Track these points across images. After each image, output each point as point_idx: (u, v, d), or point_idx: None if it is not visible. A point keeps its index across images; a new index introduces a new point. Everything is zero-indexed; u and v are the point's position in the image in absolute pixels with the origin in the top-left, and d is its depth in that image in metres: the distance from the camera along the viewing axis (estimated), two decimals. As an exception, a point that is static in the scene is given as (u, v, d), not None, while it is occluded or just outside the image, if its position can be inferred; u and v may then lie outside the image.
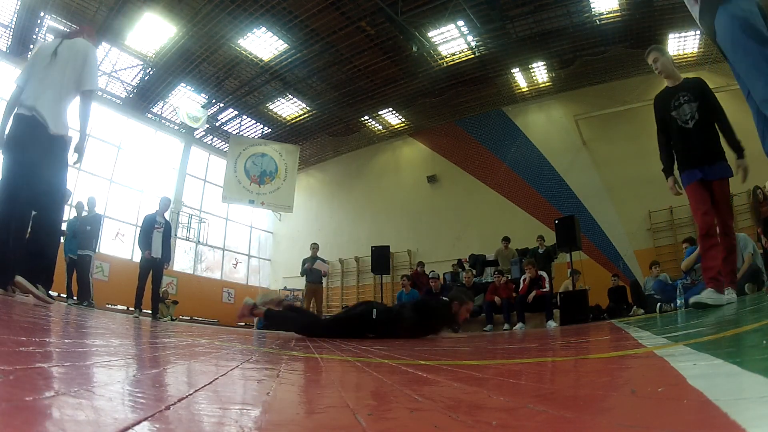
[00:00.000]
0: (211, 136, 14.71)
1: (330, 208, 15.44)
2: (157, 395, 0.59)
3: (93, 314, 3.92)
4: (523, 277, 7.07)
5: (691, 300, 2.99)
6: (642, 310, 6.74)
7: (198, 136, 14.47)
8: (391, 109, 13.01)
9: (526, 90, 11.99)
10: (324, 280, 8.96)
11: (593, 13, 9.05)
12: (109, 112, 12.04)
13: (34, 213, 3.00)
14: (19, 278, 2.74)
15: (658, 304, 5.94)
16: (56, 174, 3.00)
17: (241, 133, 13.99)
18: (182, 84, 11.65)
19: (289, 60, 10.56)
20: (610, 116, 10.71)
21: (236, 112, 13.26)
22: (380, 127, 14.07)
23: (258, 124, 13.74)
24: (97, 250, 7.66)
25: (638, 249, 10.14)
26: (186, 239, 13.77)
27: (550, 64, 10.92)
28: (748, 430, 0.36)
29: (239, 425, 0.46)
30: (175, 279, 12.35)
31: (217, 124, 13.90)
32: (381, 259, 10.30)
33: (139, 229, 7.06)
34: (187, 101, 12.13)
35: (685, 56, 10.04)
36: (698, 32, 8.99)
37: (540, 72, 11.28)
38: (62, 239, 6.11)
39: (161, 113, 13.22)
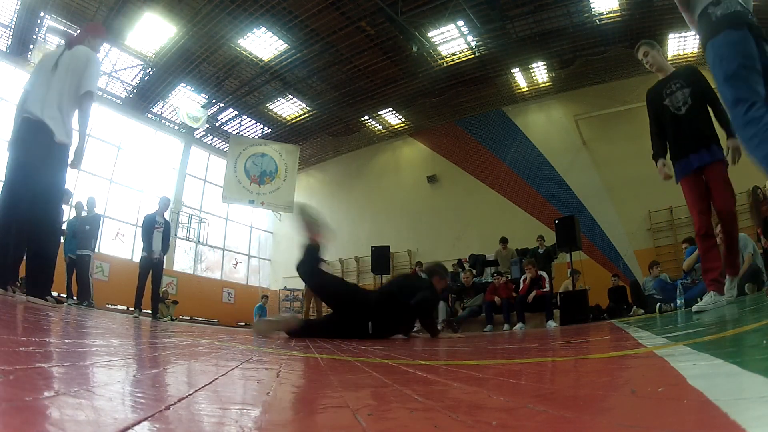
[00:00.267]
0: (211, 136, 14.71)
1: (330, 208, 15.40)
2: (157, 395, 0.59)
3: (93, 314, 3.92)
4: (523, 277, 7.06)
5: (693, 308, 3.01)
6: (642, 310, 6.73)
7: (198, 136, 14.47)
8: (391, 109, 13.01)
9: (526, 90, 11.99)
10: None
11: (593, 13, 9.05)
12: (109, 112, 12.04)
13: (34, 213, 3.01)
14: (30, 298, 2.84)
15: (658, 304, 5.95)
16: (56, 174, 3.03)
17: (241, 133, 13.98)
18: (182, 84, 11.66)
19: (289, 60, 10.56)
20: (610, 116, 10.71)
21: (236, 112, 13.26)
22: (380, 127, 14.07)
23: (258, 124, 13.74)
24: (96, 250, 7.68)
25: (638, 249, 10.14)
26: (186, 239, 13.77)
27: (550, 64, 10.92)
28: (748, 430, 0.36)
29: (239, 425, 0.46)
30: (175, 279, 12.35)
31: (217, 124, 13.90)
32: (381, 259, 10.31)
33: (139, 229, 7.07)
34: (187, 101, 12.13)
35: (685, 56, 10.03)
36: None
37: (540, 72, 11.28)
38: (62, 239, 6.13)
39: (161, 113, 13.22)
